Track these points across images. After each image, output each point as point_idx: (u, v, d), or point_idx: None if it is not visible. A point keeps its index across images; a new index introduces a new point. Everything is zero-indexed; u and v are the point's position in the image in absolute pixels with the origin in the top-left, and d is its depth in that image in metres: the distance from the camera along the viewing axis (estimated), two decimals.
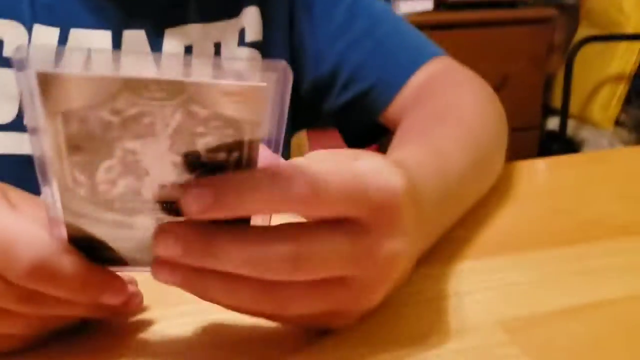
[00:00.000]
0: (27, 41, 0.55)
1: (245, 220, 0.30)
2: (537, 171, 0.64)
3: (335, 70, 0.64)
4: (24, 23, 0.55)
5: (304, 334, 0.35)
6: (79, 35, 0.56)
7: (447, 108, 0.53)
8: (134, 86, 0.25)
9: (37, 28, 0.56)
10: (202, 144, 0.27)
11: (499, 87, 2.20)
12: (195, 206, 0.27)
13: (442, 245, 0.45)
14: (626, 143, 2.18)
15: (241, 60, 0.33)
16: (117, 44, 0.57)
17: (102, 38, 0.56)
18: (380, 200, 0.31)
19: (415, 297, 0.39)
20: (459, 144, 0.48)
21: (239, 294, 0.30)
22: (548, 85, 2.34)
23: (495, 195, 0.55)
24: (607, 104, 2.21)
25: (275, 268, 0.29)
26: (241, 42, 0.61)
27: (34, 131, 0.26)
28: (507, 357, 0.34)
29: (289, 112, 0.29)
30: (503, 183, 0.58)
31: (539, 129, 2.31)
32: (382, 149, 0.48)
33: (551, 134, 2.34)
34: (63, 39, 0.56)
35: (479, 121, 0.52)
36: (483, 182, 0.51)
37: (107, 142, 0.27)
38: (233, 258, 0.28)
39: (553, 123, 2.36)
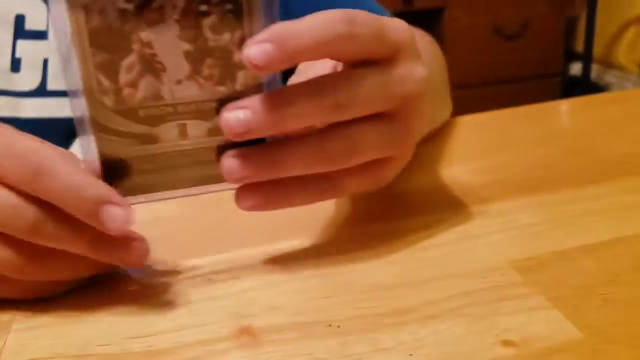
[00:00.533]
0: (46, 15, 0.59)
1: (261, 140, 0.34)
2: (556, 113, 0.62)
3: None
4: None
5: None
6: None
7: None
8: None
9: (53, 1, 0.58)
10: (207, 25, 0.31)
11: (519, 33, 2.15)
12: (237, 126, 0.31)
13: (453, 189, 0.45)
14: None
15: None
16: None
17: None
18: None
19: (426, 241, 0.39)
20: None
21: (309, 190, 0.35)
22: (570, 29, 2.29)
23: (510, 138, 0.55)
24: (632, 45, 2.15)
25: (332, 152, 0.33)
26: None
27: (73, 93, 0.31)
28: (520, 297, 0.34)
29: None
30: (521, 126, 0.57)
31: (561, 75, 2.27)
32: None
33: (574, 80, 2.30)
34: None
35: (428, 56, 0.54)
36: (439, 106, 0.54)
37: (125, 35, 0.30)
38: (299, 158, 0.33)
39: (576, 68, 2.31)
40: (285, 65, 0.31)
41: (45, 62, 0.60)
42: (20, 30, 0.59)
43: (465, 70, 2.09)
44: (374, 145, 0.34)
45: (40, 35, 0.60)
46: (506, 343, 0.30)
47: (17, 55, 0.59)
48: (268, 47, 0.30)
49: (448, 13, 2.08)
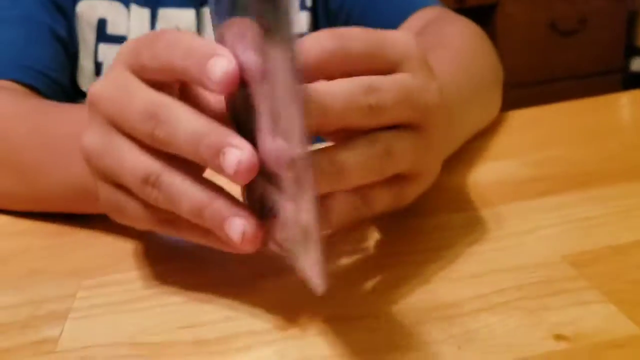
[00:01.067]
0: (127, 20, 0.63)
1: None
2: (613, 106, 0.61)
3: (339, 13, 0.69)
4: (124, 3, 0.63)
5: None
6: (166, 14, 0.63)
7: (437, 41, 0.53)
8: None
9: (133, 8, 0.63)
10: None
11: (576, 29, 2.10)
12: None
13: (507, 183, 0.44)
14: None
15: None
16: (200, 20, 0.64)
17: (187, 15, 0.64)
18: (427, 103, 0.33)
19: (478, 235, 0.39)
20: (454, 66, 0.48)
21: (343, 207, 0.32)
22: (631, 23, 2.22)
23: (566, 132, 0.53)
24: None
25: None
26: None
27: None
28: (574, 291, 0.33)
29: None
30: (577, 119, 0.56)
31: (622, 72, 2.20)
32: None
33: (636, 76, 2.22)
34: (153, 18, 0.64)
35: (471, 52, 0.53)
36: (480, 110, 0.52)
37: None
38: (356, 169, 0.31)
39: (637, 64, 2.24)
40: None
41: None
42: (102, 34, 0.62)
43: (520, 69, 2.04)
44: (405, 153, 0.33)
45: (121, 40, 0.62)
46: (558, 337, 0.30)
47: (99, 59, 0.62)
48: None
49: (501, 9, 2.04)
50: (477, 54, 0.54)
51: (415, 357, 0.29)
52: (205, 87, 0.30)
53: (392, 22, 0.64)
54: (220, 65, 0.29)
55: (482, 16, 2.04)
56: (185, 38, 0.31)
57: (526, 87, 2.06)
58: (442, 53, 0.49)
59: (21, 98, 0.50)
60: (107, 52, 0.62)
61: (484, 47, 0.57)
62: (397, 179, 0.34)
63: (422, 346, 0.30)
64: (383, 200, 0.34)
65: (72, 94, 0.63)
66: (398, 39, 0.33)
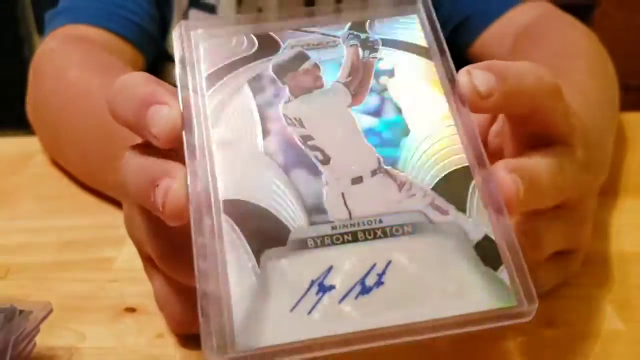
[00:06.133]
0: None
1: None
2: None
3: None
4: None
5: None
6: None
7: (567, 47, 0.52)
8: None
9: None
10: None
11: None
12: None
13: None
14: None
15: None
16: None
17: None
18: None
19: None
20: (594, 80, 0.47)
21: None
22: None
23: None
24: None
25: None
26: None
27: None
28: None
29: None
30: None
31: None
32: None
33: None
34: None
35: (601, 58, 0.52)
36: (616, 119, 0.50)
37: None
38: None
39: None
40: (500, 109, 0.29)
41: None
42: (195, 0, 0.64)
43: (619, 72, 1.98)
44: (557, 237, 0.31)
45: (211, 8, 0.64)
46: (549, 323, 0.32)
47: None
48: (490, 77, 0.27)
49: (600, 9, 1.98)
50: (605, 60, 0.53)
51: None
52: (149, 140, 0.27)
53: (489, 12, 0.63)
54: (163, 114, 0.26)
55: (577, 16, 1.99)
56: (129, 82, 0.28)
57: (627, 92, 1.99)
58: (579, 66, 0.48)
59: (91, 62, 0.50)
60: (196, 19, 0.63)
61: (604, 51, 0.54)
62: (557, 255, 0.32)
63: None
64: (549, 279, 0.33)
65: (164, 54, 0.65)
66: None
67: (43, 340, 0.31)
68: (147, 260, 0.31)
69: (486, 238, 0.25)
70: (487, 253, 0.25)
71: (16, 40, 1.36)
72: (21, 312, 0.29)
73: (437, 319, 0.23)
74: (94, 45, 0.53)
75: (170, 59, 0.65)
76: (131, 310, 0.34)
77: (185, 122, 0.27)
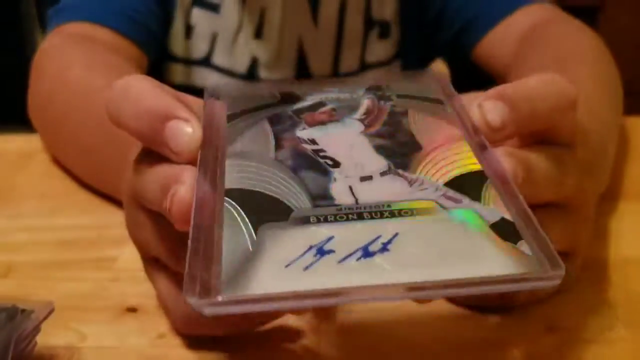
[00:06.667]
0: None
1: None
2: None
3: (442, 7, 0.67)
4: None
5: None
6: None
7: (571, 52, 0.52)
8: None
9: None
10: None
11: None
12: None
13: None
14: None
15: None
16: None
17: None
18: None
19: None
20: (598, 86, 0.47)
21: None
22: None
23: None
24: None
25: None
26: None
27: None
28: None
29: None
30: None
31: None
32: None
33: None
34: None
35: (605, 64, 0.52)
36: (619, 124, 0.50)
37: None
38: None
39: None
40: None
41: (214, 36, 0.65)
42: None
43: (624, 76, 1.98)
44: (554, 236, 0.30)
45: (214, 7, 0.64)
46: (550, 329, 0.32)
47: (192, 22, 0.64)
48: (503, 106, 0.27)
49: (606, 11, 1.97)
50: (610, 65, 0.52)
51: None
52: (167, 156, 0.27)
53: (493, 14, 0.63)
54: (184, 131, 0.26)
55: (582, 18, 1.98)
56: (135, 88, 0.27)
57: (632, 95, 1.99)
58: (583, 72, 0.48)
59: (93, 62, 0.50)
60: (200, 17, 0.64)
61: (609, 56, 0.54)
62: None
63: None
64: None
65: (166, 54, 0.65)
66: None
67: (44, 340, 0.31)
68: (149, 261, 0.31)
69: (503, 220, 0.24)
70: (505, 231, 0.23)
71: (19, 38, 1.36)
72: (23, 311, 0.29)
73: (450, 280, 0.21)
74: (96, 44, 0.53)
75: (172, 58, 0.65)
76: (133, 310, 0.34)
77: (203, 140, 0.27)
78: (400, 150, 0.28)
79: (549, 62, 0.53)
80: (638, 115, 0.57)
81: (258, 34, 0.65)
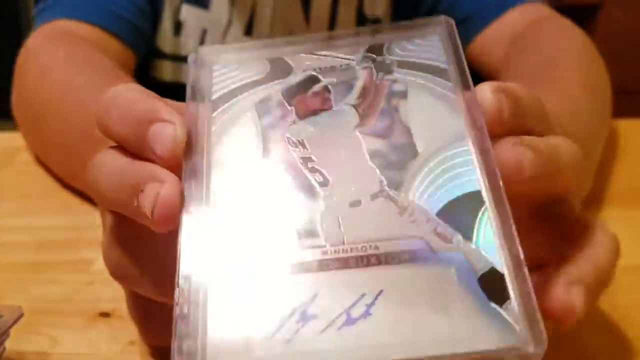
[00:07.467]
0: None
1: None
2: None
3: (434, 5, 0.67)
4: None
5: None
6: None
7: (560, 55, 0.52)
8: None
9: None
10: None
11: None
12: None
13: None
14: None
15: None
16: None
17: None
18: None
19: None
20: (585, 89, 0.47)
21: None
22: None
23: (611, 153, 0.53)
24: None
25: None
26: None
27: None
28: None
29: None
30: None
31: None
32: None
33: None
34: None
35: (594, 66, 0.51)
36: (606, 128, 0.49)
37: None
38: None
39: None
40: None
41: (204, 32, 0.64)
42: None
43: (622, 76, 1.97)
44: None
45: (204, 4, 0.63)
46: None
47: (181, 18, 0.64)
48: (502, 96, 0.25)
49: (604, 11, 1.97)
50: (599, 68, 0.52)
51: None
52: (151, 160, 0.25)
53: (486, 13, 0.63)
54: (167, 133, 0.25)
55: (580, 18, 1.97)
56: (123, 98, 0.26)
57: (630, 95, 1.98)
58: (570, 75, 0.47)
59: (76, 60, 0.49)
60: (189, 13, 0.63)
61: (599, 58, 0.53)
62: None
63: None
64: None
65: (155, 51, 0.64)
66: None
67: (13, 345, 0.30)
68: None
69: (493, 270, 0.23)
70: (492, 287, 0.22)
71: (17, 37, 1.35)
72: None
73: (423, 358, 0.21)
74: (80, 42, 0.53)
75: (161, 55, 0.64)
76: (106, 315, 0.34)
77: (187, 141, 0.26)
78: (395, 156, 0.26)
79: (538, 64, 0.52)
80: (632, 115, 0.56)
81: (248, 30, 0.65)
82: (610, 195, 0.45)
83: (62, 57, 0.49)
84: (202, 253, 0.24)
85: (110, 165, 0.26)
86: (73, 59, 0.49)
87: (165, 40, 0.64)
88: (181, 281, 0.23)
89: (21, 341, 0.31)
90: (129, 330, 0.32)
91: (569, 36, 0.56)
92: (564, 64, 0.50)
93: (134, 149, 0.26)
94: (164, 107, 0.26)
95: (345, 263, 0.23)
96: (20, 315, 0.30)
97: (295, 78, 0.29)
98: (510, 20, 0.62)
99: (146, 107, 0.26)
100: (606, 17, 1.97)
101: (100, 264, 0.37)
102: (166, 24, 0.64)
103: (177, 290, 0.23)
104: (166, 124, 0.25)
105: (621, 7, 1.97)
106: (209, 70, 0.29)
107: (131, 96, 0.26)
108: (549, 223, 0.27)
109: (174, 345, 0.22)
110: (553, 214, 0.27)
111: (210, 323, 0.22)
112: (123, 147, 0.27)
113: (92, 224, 0.41)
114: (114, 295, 0.34)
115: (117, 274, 0.28)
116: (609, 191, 0.45)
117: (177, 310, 0.22)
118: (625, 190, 0.46)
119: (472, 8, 0.64)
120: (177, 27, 0.64)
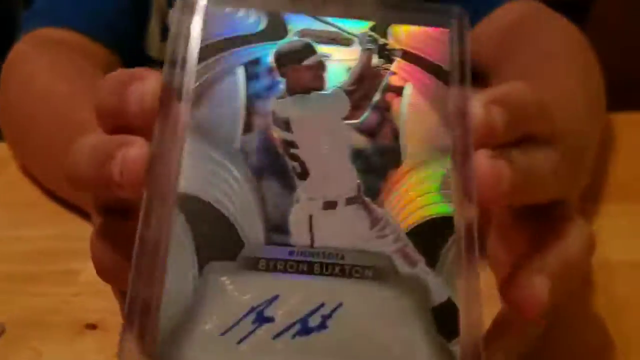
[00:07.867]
0: None
1: None
2: None
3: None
4: None
5: None
6: None
7: (553, 50, 0.51)
8: None
9: None
10: None
11: None
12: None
13: None
14: None
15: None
16: None
17: None
18: None
19: None
20: (578, 82, 0.46)
21: None
22: None
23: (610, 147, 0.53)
24: None
25: None
26: None
27: None
28: None
29: None
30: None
31: None
32: None
33: None
34: None
35: (587, 61, 0.51)
36: (601, 121, 0.49)
37: None
38: None
39: None
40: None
41: None
42: None
43: (616, 75, 1.97)
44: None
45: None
46: None
47: (169, 23, 0.63)
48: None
49: (597, 9, 1.97)
50: (592, 62, 0.51)
51: None
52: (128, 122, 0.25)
53: (478, 8, 0.62)
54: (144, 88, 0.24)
55: (571, 16, 1.98)
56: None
57: (623, 89, 1.98)
58: (564, 69, 0.47)
59: (59, 68, 0.49)
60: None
61: (591, 52, 0.53)
62: None
63: None
64: None
65: (140, 56, 0.63)
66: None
67: None
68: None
69: (448, 302, 0.23)
70: (444, 320, 0.22)
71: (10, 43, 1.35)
72: None
73: None
74: (63, 49, 0.52)
75: (149, 60, 0.64)
76: (92, 327, 0.33)
77: (162, 102, 0.24)
78: (378, 161, 0.25)
79: (529, 58, 0.52)
80: (630, 109, 0.56)
81: None
82: (608, 189, 0.45)
83: (44, 65, 0.49)
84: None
85: (86, 144, 0.26)
86: (56, 67, 0.48)
87: (153, 45, 0.63)
88: (142, 230, 0.22)
89: (6, 354, 0.31)
90: (116, 342, 0.31)
91: (561, 30, 0.55)
92: (556, 57, 0.50)
93: (115, 117, 0.25)
94: (141, 70, 0.25)
95: (310, 268, 0.23)
96: (2, 331, 0.29)
97: (290, 43, 0.27)
98: (502, 16, 0.61)
99: (124, 77, 0.25)
100: (599, 12, 1.97)
101: (87, 275, 0.37)
102: (154, 29, 0.63)
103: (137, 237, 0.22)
104: (142, 80, 0.24)
105: (614, 3, 1.97)
106: (199, 13, 0.27)
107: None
108: (532, 221, 0.27)
109: (128, 306, 0.21)
110: (537, 211, 0.27)
111: (166, 304, 0.21)
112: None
113: (79, 234, 0.40)
114: (101, 307, 0.33)
115: (106, 274, 0.27)
116: (606, 185, 0.45)
117: (135, 262, 0.22)
118: (622, 185, 0.45)
119: (464, 4, 0.64)
120: (164, 32, 0.63)
